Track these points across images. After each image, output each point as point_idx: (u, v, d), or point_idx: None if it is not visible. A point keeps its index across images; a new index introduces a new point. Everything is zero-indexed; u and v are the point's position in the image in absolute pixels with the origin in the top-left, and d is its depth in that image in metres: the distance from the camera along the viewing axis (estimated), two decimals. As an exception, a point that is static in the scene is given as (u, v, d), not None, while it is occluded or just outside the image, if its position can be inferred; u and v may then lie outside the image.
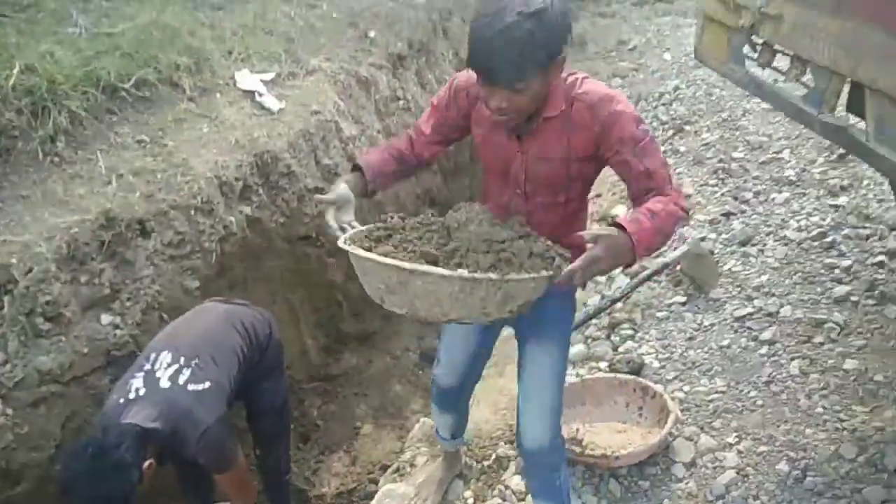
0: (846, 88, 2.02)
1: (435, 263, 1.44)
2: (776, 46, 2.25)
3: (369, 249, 1.52)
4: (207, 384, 2.17)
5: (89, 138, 3.11)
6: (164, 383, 2.13)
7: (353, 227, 1.67)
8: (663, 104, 5.66)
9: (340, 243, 1.55)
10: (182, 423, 2.07)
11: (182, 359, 2.20)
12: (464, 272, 1.39)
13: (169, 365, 2.19)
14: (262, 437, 2.65)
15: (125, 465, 1.92)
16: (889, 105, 1.72)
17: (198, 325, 2.40)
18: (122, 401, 2.10)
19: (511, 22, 1.38)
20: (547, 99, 1.58)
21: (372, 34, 4.50)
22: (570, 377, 2.79)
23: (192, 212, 3.00)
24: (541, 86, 1.50)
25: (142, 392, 2.11)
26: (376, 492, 2.66)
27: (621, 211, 4.13)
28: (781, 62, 2.28)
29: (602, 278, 3.53)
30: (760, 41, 2.34)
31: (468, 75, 1.68)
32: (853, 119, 2.04)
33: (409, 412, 3.55)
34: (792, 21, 2.07)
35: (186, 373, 2.17)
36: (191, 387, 2.14)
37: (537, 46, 1.41)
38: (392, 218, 1.71)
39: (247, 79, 3.76)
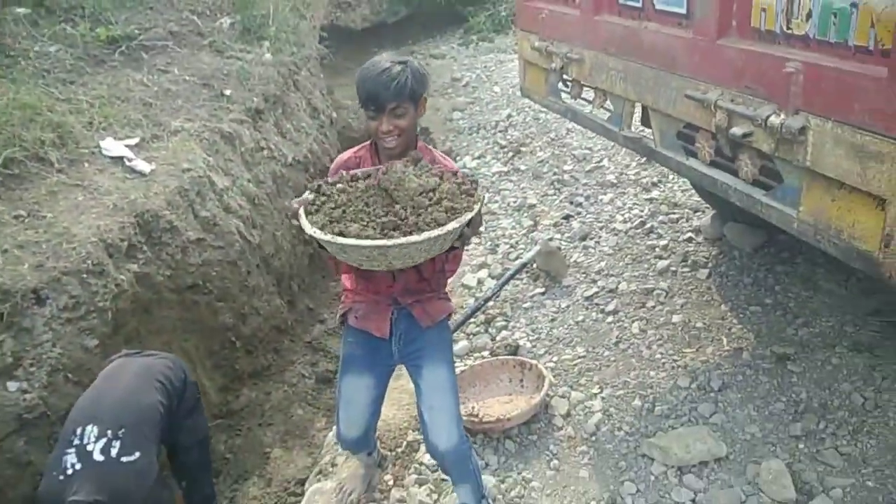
0: (638, 110, 2.64)
1: (397, 228, 1.69)
2: (582, 82, 2.86)
3: (325, 226, 1.73)
4: (137, 454, 2.26)
5: (-37, 219, 3.13)
6: (98, 457, 2.22)
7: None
8: (500, 131, 6.36)
9: (311, 232, 1.72)
10: (123, 495, 2.19)
11: (109, 431, 2.28)
12: (431, 232, 1.64)
13: (98, 438, 2.26)
14: (187, 470, 2.79)
15: None
16: (665, 120, 2.32)
17: (116, 390, 2.47)
18: (60, 478, 2.18)
19: (388, 66, 1.88)
20: (416, 143, 2.03)
21: (228, 92, 4.76)
22: (460, 367, 3.20)
23: (84, 275, 3.10)
24: (413, 116, 1.95)
25: (78, 467, 2.19)
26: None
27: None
28: (588, 94, 2.90)
29: (473, 283, 4.01)
30: (570, 79, 2.95)
31: (341, 157, 2.13)
32: (646, 131, 2.64)
33: (315, 430, 3.78)
34: (591, 63, 2.68)
35: (116, 445, 2.25)
36: (124, 459, 2.24)
37: (408, 82, 1.88)
38: (327, 185, 1.90)
39: (112, 146, 3.88)
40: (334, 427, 3.32)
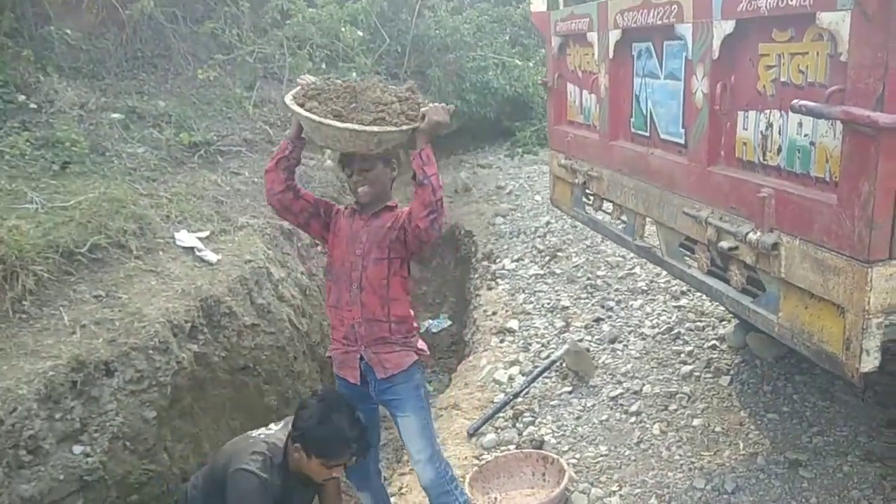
0: (649, 222, 2.92)
1: (339, 117, 2.18)
2: (602, 196, 3.18)
3: (302, 105, 2.25)
4: None
5: (52, 297, 3.57)
6: None
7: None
8: (539, 236, 6.69)
9: (287, 100, 2.30)
10: None
11: None
12: (352, 125, 2.16)
13: None
14: None
15: None
16: (669, 233, 2.61)
17: None
18: None
19: None
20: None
21: (289, 194, 5.27)
22: (486, 457, 3.37)
23: (150, 351, 3.47)
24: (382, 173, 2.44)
25: None
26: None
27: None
28: (607, 206, 3.21)
29: (504, 379, 4.21)
30: (592, 193, 3.28)
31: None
32: (655, 242, 2.91)
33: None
34: (608, 180, 3.01)
35: None
36: None
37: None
38: (319, 82, 2.38)
39: (185, 237, 4.36)
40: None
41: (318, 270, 4.98)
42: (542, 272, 5.87)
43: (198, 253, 4.23)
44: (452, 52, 9.37)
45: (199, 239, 4.37)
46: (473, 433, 3.66)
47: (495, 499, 3.09)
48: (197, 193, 4.91)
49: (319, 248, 5.18)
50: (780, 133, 1.96)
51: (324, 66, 7.52)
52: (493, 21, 10.33)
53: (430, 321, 6.48)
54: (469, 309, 5.82)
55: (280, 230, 4.80)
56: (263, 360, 4.12)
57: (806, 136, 1.87)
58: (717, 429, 3.36)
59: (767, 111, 2.01)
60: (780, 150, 1.96)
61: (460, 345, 5.66)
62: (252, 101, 6.43)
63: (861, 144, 1.63)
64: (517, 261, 6.25)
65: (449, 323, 6.46)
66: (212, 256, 4.23)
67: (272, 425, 2.67)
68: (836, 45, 1.70)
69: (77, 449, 3.07)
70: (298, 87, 2.37)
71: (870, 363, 1.70)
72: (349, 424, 2.37)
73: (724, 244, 2.07)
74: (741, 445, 3.17)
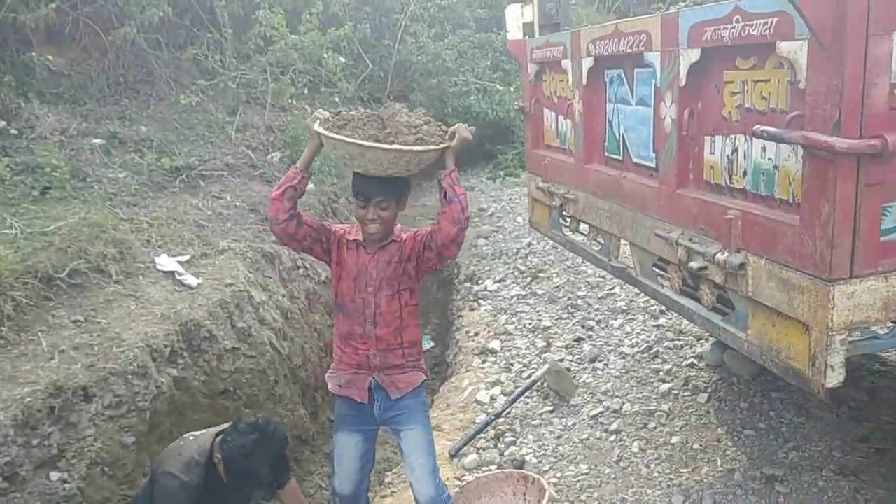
0: (624, 245, 2.98)
1: (378, 141, 2.22)
2: (578, 218, 3.25)
3: (329, 129, 2.27)
4: None
5: (30, 322, 3.55)
6: None
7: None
8: (520, 257, 6.75)
9: (317, 128, 2.28)
10: None
11: None
12: (398, 146, 2.20)
13: None
14: None
15: None
16: (642, 253, 2.67)
17: None
18: None
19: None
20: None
21: (271, 217, 5.30)
22: (468, 478, 3.38)
23: (129, 376, 3.45)
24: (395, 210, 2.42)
25: None
26: None
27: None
28: (584, 228, 3.28)
29: (486, 399, 4.22)
30: (568, 215, 3.34)
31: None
32: (629, 262, 2.98)
33: (331, 541, 3.90)
34: (583, 203, 3.08)
35: None
36: None
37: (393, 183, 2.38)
38: (344, 112, 2.41)
39: (166, 262, 4.36)
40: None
41: (299, 293, 4.99)
42: (523, 293, 5.92)
43: (178, 277, 4.23)
44: (435, 77, 9.51)
45: (180, 263, 4.37)
46: (455, 454, 3.67)
47: (477, 520, 3.09)
48: (178, 218, 4.91)
49: (301, 271, 5.20)
50: (745, 157, 2.04)
51: (306, 91, 7.61)
52: (474, 47, 10.50)
53: (413, 343, 6.49)
54: (451, 330, 5.84)
55: (261, 254, 4.82)
56: (244, 383, 4.11)
57: (770, 159, 1.94)
58: (696, 446, 3.39)
59: (733, 136, 2.09)
60: (745, 173, 2.03)
61: (443, 366, 5.68)
62: (234, 126, 6.48)
63: (820, 168, 1.70)
64: (499, 282, 6.30)
65: (432, 345, 6.47)
66: (192, 280, 4.23)
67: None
68: (795, 73, 1.78)
69: (54, 475, 3.04)
70: (320, 120, 2.35)
71: (835, 378, 1.75)
72: (269, 467, 2.44)
73: (694, 264, 2.13)
74: (719, 462, 3.21)
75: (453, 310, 6.15)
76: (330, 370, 2.65)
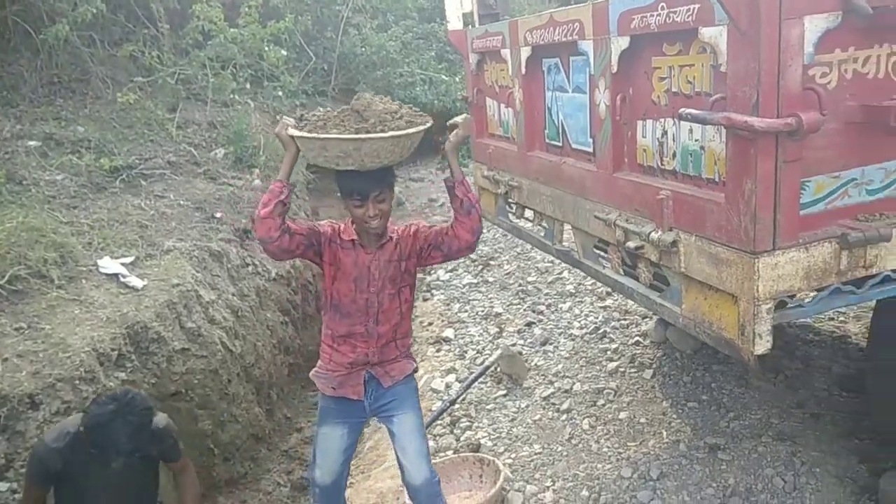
0: (567, 228, 3.07)
1: (368, 132, 2.12)
2: (522, 204, 3.32)
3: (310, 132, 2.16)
4: None
5: (-32, 331, 3.44)
6: None
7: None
8: (471, 246, 6.84)
9: (294, 133, 2.17)
10: None
11: None
12: (395, 132, 2.13)
13: None
14: None
15: None
16: (584, 236, 2.75)
17: None
18: None
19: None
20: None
21: (218, 215, 5.22)
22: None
23: (76, 382, 3.38)
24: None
25: None
26: None
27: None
28: (529, 214, 3.35)
29: (441, 387, 4.28)
30: (513, 202, 3.41)
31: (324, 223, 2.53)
32: (572, 245, 3.06)
33: (292, 535, 3.91)
34: (527, 189, 3.15)
35: None
36: None
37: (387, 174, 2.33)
38: (308, 115, 2.28)
39: (109, 264, 4.26)
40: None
41: (249, 291, 4.94)
42: (475, 281, 6.00)
43: (122, 279, 4.14)
44: (380, 68, 9.48)
45: (124, 265, 4.28)
46: (412, 442, 3.71)
47: (435, 504, 3.15)
48: (120, 219, 4.80)
49: (250, 268, 5.15)
50: (674, 140, 2.13)
51: (248, 85, 7.49)
52: (418, 38, 10.50)
53: (368, 336, 6.50)
54: (405, 321, 5.87)
55: (209, 252, 4.75)
56: (195, 384, 4.06)
57: (696, 141, 2.04)
58: (642, 420, 3.52)
59: (662, 120, 2.18)
60: (675, 155, 2.13)
61: (398, 357, 5.71)
62: (175, 123, 6.33)
63: (742, 147, 1.80)
64: (451, 271, 6.36)
65: (386, 337, 6.50)
66: (137, 282, 4.15)
67: None
68: (717, 57, 1.87)
69: (2, 486, 2.96)
70: (291, 126, 2.23)
71: (763, 346, 1.86)
72: (128, 437, 2.41)
73: (631, 244, 2.22)
74: (664, 434, 3.34)
75: (406, 301, 6.18)
76: (318, 370, 2.59)
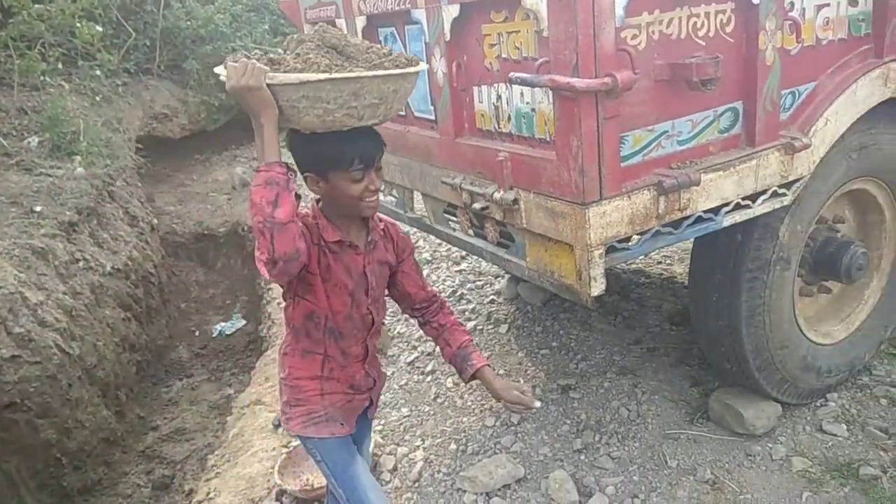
0: (417, 196, 3.13)
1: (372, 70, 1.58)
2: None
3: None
4: None
5: None
6: None
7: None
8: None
9: (275, 81, 1.53)
10: None
11: None
12: (410, 68, 1.63)
13: None
14: None
15: None
16: (433, 202, 2.83)
17: None
18: None
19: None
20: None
21: (38, 208, 4.75)
22: (294, 443, 3.41)
23: None
24: None
25: None
26: None
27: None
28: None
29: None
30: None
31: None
32: (424, 211, 3.14)
33: (157, 537, 3.74)
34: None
35: None
36: None
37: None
38: (274, 55, 1.70)
39: None
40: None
41: (83, 289, 4.57)
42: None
43: (-71, 288, 3.68)
44: (209, 43, 8.96)
45: (-71, 272, 3.80)
46: (279, 424, 3.66)
47: (307, 480, 3.14)
48: (-82, 221, 4.24)
49: (81, 264, 4.76)
50: (507, 103, 2.24)
51: (60, 66, 6.81)
52: (249, 10, 10.02)
53: (223, 324, 6.27)
54: (262, 304, 5.73)
55: (31, 250, 4.32)
56: (32, 392, 3.73)
57: (528, 103, 2.16)
58: (501, 371, 3.72)
59: (496, 85, 2.28)
60: (509, 118, 2.24)
61: (258, 342, 5.57)
62: (-25, 111, 5.65)
63: (567, 107, 1.93)
64: (305, 249, 6.26)
65: (244, 322, 6.31)
66: (-51, 289, 3.71)
67: None
68: (539, 23, 1.98)
69: None
70: (266, 73, 1.54)
71: (598, 288, 2.04)
72: None
73: (477, 205, 2.32)
74: (522, 381, 3.55)
75: (261, 283, 6.01)
76: (299, 411, 1.95)
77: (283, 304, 1.95)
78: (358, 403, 2.04)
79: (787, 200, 2.38)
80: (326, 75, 1.53)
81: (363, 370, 2.01)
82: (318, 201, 1.85)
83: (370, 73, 1.58)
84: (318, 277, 1.81)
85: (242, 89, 1.54)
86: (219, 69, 1.64)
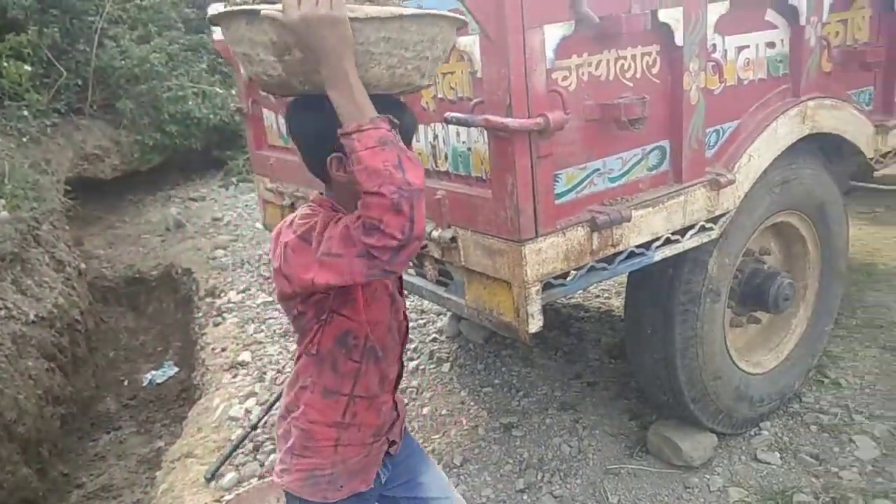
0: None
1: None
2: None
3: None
4: None
5: None
6: None
7: None
8: (263, 263, 6.62)
9: (370, 10, 1.23)
10: None
11: None
12: (453, 11, 1.36)
13: None
14: None
15: None
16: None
17: None
18: None
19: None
20: None
21: (-46, 254, 4.50)
22: (227, 497, 3.26)
23: None
24: None
25: None
26: None
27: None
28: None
29: (240, 414, 4.09)
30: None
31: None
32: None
33: None
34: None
35: None
36: None
37: None
38: None
39: None
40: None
41: (3, 339, 4.31)
42: (270, 299, 5.81)
43: None
44: (144, 82, 8.81)
45: None
46: (211, 477, 3.50)
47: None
48: None
49: (3, 312, 4.50)
50: (444, 143, 2.26)
51: (-15, 105, 6.57)
52: (186, 49, 9.93)
53: (154, 372, 6.01)
54: (196, 350, 5.52)
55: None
56: (-58, 452, 3.47)
57: (464, 143, 2.19)
58: (444, 412, 3.68)
59: (433, 125, 2.30)
60: (446, 157, 2.26)
61: (191, 390, 5.35)
62: None
63: (501, 146, 1.96)
64: (243, 292, 6.10)
65: (176, 370, 6.06)
66: None
67: None
68: (473, 64, 2.02)
69: None
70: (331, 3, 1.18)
71: (535, 325, 2.04)
72: None
73: (415, 243, 2.31)
74: (464, 421, 3.52)
75: (195, 328, 5.81)
76: (302, 464, 1.61)
77: (298, 335, 1.61)
78: (375, 454, 1.68)
79: (714, 234, 2.46)
80: (424, 10, 1.24)
81: (392, 399, 1.72)
82: (321, 193, 1.55)
83: (453, 14, 1.33)
84: (354, 288, 1.50)
85: (321, 21, 1.17)
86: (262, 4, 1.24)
